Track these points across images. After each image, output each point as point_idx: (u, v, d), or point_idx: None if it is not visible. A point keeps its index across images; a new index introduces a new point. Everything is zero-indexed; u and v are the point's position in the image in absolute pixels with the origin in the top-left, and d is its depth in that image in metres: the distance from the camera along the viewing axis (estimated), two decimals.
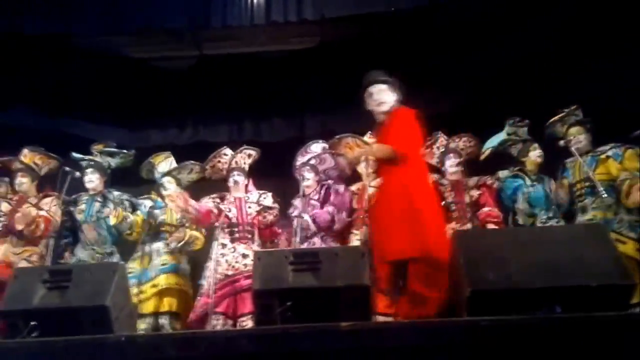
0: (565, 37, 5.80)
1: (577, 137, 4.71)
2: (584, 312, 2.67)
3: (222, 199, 5.01)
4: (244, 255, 4.74)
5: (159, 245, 5.03)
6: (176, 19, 6.05)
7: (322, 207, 4.94)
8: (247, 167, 5.18)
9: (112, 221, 4.94)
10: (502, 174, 4.99)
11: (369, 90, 3.98)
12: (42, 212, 4.91)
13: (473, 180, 4.96)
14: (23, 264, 4.67)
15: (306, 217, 4.79)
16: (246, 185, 5.15)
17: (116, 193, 5.18)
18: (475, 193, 4.87)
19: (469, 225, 4.69)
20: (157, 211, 5.07)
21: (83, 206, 5.08)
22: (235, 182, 5.03)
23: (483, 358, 2.63)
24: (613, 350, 2.55)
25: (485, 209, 4.84)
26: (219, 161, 5.18)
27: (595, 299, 2.73)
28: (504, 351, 2.61)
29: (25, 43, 6.22)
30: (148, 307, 4.81)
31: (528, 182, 4.86)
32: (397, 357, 2.68)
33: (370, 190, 4.82)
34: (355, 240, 4.74)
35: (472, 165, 5.12)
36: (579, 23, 5.64)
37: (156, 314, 4.82)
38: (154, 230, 5.08)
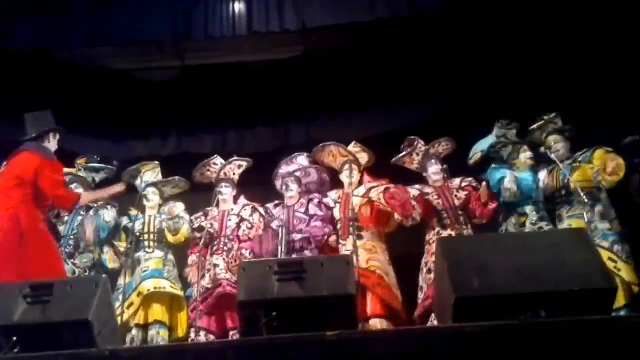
0: (548, 45, 5.87)
1: (555, 146, 4.78)
2: (568, 317, 2.68)
3: (206, 215, 4.98)
4: (215, 265, 4.73)
5: (140, 254, 4.96)
6: (158, 30, 6.05)
7: (309, 221, 4.86)
8: (236, 178, 5.16)
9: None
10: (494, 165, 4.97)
11: None
12: None
13: (456, 182, 4.90)
14: None
15: (299, 237, 4.71)
16: (235, 197, 5.11)
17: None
18: (462, 194, 4.82)
19: (464, 230, 4.63)
20: (136, 224, 4.99)
21: (65, 218, 5.07)
22: (222, 194, 4.98)
23: None
24: (597, 354, 2.57)
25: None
26: (209, 170, 5.17)
27: (579, 303, 2.74)
28: (489, 357, 2.61)
29: (7, 55, 6.17)
30: (137, 318, 4.74)
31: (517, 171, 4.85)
32: None
33: (355, 200, 4.82)
34: (344, 250, 4.66)
35: (456, 166, 5.07)
36: (561, 32, 5.73)
37: (145, 326, 4.76)
38: (135, 241, 4.98)
